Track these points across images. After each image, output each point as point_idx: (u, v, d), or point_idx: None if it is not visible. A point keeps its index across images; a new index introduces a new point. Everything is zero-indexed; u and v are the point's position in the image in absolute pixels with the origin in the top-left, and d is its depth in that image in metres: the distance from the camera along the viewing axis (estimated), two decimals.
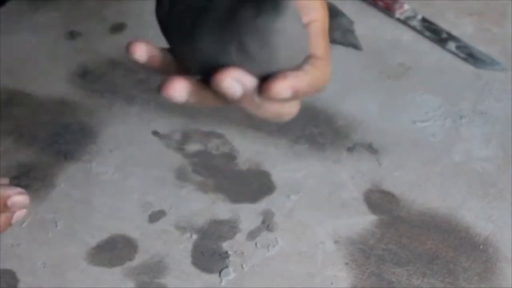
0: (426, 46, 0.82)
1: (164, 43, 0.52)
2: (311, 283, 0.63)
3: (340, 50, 0.81)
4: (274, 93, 0.48)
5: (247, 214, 0.67)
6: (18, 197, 0.61)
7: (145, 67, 0.52)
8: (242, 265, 0.64)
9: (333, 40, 0.81)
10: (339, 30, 0.80)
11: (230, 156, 0.71)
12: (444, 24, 0.84)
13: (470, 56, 0.81)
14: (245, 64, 0.50)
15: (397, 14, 0.84)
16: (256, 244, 0.65)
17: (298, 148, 0.71)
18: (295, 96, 0.49)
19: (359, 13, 0.84)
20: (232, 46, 0.50)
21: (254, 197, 0.68)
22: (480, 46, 0.82)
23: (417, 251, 0.65)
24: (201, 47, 0.50)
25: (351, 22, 0.81)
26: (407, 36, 0.83)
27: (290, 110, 0.51)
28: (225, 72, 0.49)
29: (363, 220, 0.67)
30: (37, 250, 0.64)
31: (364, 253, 0.65)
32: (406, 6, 0.85)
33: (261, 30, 0.49)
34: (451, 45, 0.81)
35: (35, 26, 0.82)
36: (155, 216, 0.66)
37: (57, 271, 0.63)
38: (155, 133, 0.73)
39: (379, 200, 0.68)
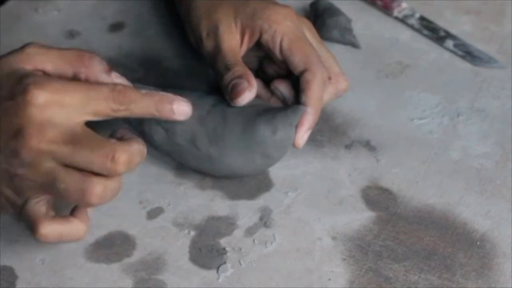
0: (424, 44, 0.82)
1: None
2: (308, 279, 0.63)
3: (338, 48, 0.81)
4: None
5: (245, 211, 0.67)
6: (182, 105, 0.61)
7: None
8: (239, 261, 0.64)
9: (331, 39, 0.81)
10: (337, 29, 0.81)
11: None
12: (442, 22, 0.84)
13: (468, 54, 0.81)
14: (266, 164, 0.67)
15: (395, 13, 0.84)
16: (253, 241, 0.65)
17: None
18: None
19: (357, 12, 0.84)
20: (257, 156, 0.65)
21: (252, 194, 0.68)
22: (478, 44, 0.82)
23: (415, 247, 0.65)
24: (229, 163, 0.65)
25: (349, 21, 0.82)
26: (405, 34, 0.83)
27: None
28: None
29: (361, 217, 0.67)
30: (36, 247, 0.64)
31: (361, 249, 0.65)
32: (404, 5, 0.85)
33: (279, 141, 0.65)
34: (449, 43, 0.82)
35: (35, 26, 0.82)
36: (153, 213, 0.67)
37: (56, 268, 0.63)
38: None
39: (377, 196, 0.69)
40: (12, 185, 0.56)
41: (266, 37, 0.68)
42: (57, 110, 0.55)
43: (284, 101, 0.69)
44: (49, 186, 0.56)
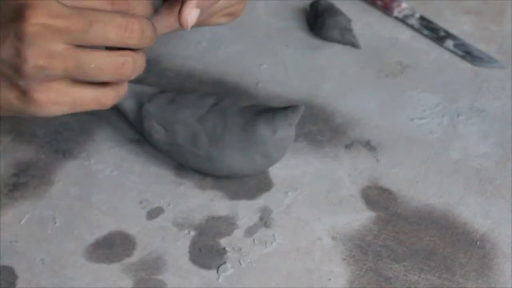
0: (424, 44, 0.82)
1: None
2: (308, 279, 0.63)
3: (338, 48, 0.81)
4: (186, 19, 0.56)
5: (245, 211, 0.67)
6: None
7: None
8: (239, 261, 0.64)
9: (331, 39, 0.81)
10: (337, 29, 0.81)
11: None
12: (442, 22, 0.84)
13: (468, 54, 0.81)
14: (266, 164, 0.66)
15: (395, 13, 0.84)
16: (253, 241, 0.65)
17: (296, 146, 0.72)
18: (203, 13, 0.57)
19: (357, 12, 0.84)
20: (257, 156, 0.65)
21: (252, 194, 0.68)
22: (478, 44, 0.82)
23: (415, 247, 0.65)
24: (229, 163, 0.65)
25: (349, 21, 0.82)
26: (405, 34, 0.83)
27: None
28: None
29: (361, 217, 0.67)
30: (36, 247, 0.64)
31: (361, 249, 0.65)
32: (404, 5, 0.85)
33: (279, 141, 0.65)
34: (449, 43, 0.82)
35: None
36: (153, 213, 0.67)
37: (56, 268, 0.63)
38: None
39: (377, 196, 0.69)
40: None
41: None
42: None
43: None
44: (75, 71, 0.51)
